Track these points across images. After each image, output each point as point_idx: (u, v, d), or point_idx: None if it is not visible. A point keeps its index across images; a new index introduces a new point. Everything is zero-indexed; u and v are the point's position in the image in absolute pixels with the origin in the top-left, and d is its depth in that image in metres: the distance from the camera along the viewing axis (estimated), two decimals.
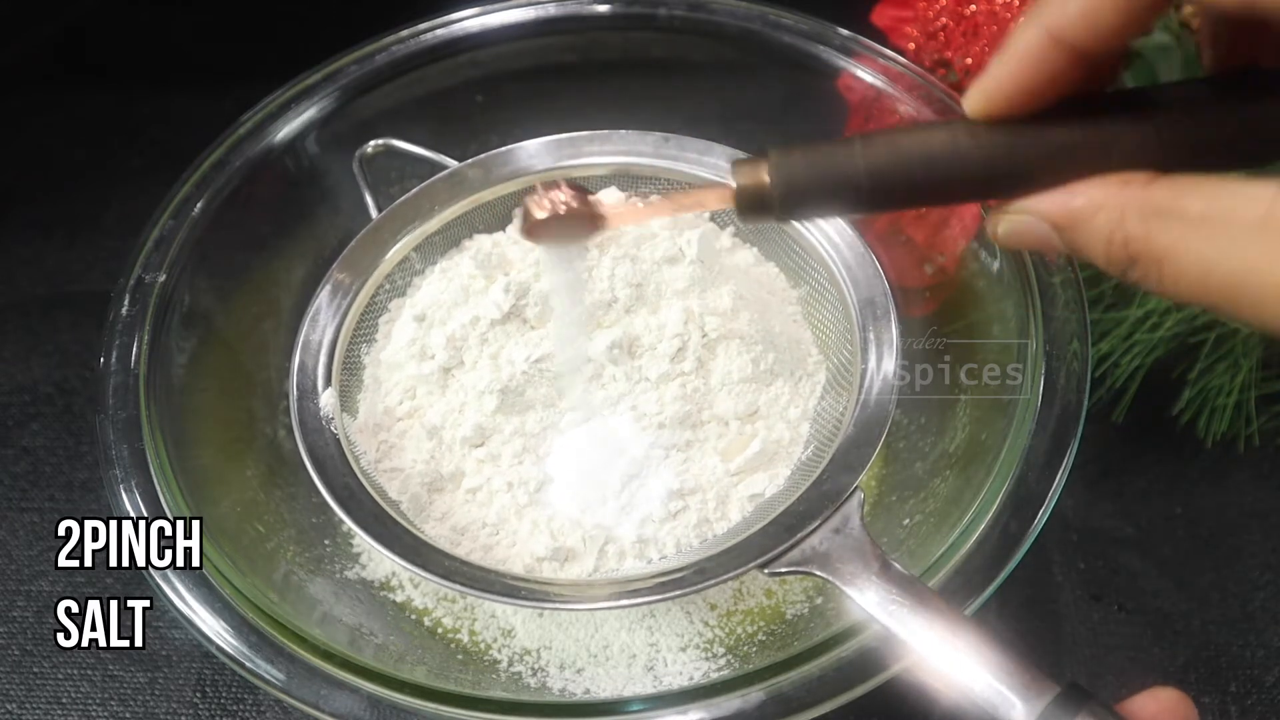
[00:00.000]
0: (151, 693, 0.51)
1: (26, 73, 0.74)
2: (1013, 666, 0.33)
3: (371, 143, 0.51)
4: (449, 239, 0.50)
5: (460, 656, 0.47)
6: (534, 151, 0.49)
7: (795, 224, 0.47)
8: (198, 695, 0.51)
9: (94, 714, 0.50)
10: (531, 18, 0.54)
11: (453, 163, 0.50)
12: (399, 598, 0.49)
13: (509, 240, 0.49)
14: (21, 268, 0.66)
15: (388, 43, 0.54)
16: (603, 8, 0.54)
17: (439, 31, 0.54)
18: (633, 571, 0.42)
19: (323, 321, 0.46)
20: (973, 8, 0.58)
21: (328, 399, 0.44)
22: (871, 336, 0.44)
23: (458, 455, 0.45)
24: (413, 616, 0.48)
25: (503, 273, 0.47)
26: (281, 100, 0.52)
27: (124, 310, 0.47)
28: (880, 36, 0.59)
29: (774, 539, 0.39)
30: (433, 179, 0.49)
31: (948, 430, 0.48)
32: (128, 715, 0.50)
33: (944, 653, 0.34)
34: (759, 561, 0.38)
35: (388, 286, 0.49)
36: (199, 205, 0.49)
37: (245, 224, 0.51)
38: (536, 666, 0.47)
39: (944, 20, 0.58)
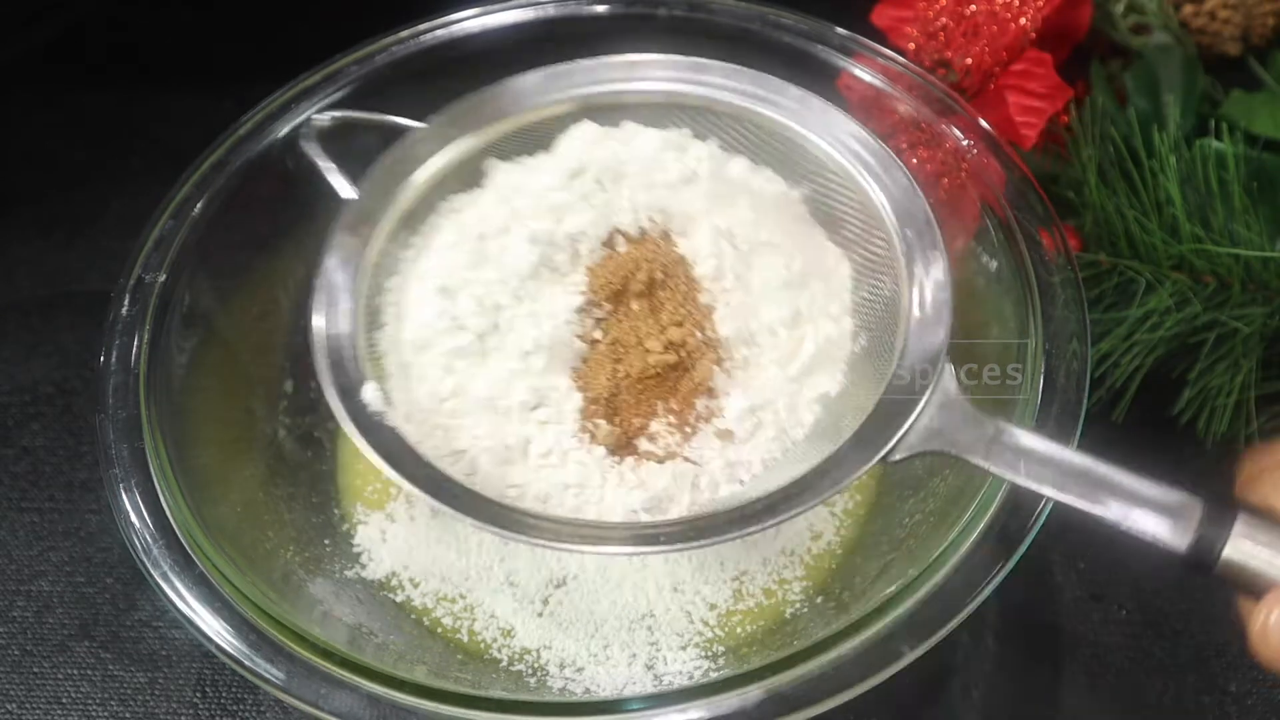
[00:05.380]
0: (151, 693, 0.51)
1: (26, 73, 0.74)
2: (1153, 490, 0.35)
3: (327, 115, 0.48)
4: (428, 205, 0.47)
5: (460, 656, 0.47)
6: (519, 91, 0.47)
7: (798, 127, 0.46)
8: (198, 695, 0.51)
9: (94, 714, 0.50)
10: (531, 18, 0.54)
11: (417, 124, 0.47)
12: (399, 598, 0.49)
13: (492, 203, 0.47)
14: (21, 268, 0.66)
15: (388, 43, 0.54)
16: (602, 8, 0.54)
17: (439, 32, 0.54)
18: (739, 495, 0.41)
19: (338, 314, 0.43)
20: (973, 8, 0.58)
21: (371, 393, 0.41)
22: (910, 232, 0.43)
23: (518, 422, 0.42)
24: (412, 616, 0.48)
25: (520, 224, 0.44)
26: (281, 100, 0.52)
27: (124, 310, 0.46)
28: (880, 36, 0.59)
29: (886, 429, 0.38)
30: (399, 142, 0.47)
31: None
32: (128, 715, 0.50)
33: (1087, 494, 0.35)
34: (883, 454, 0.38)
35: (386, 264, 0.46)
36: (199, 205, 0.49)
37: (245, 224, 0.51)
38: (536, 666, 0.47)
39: (944, 20, 0.58)
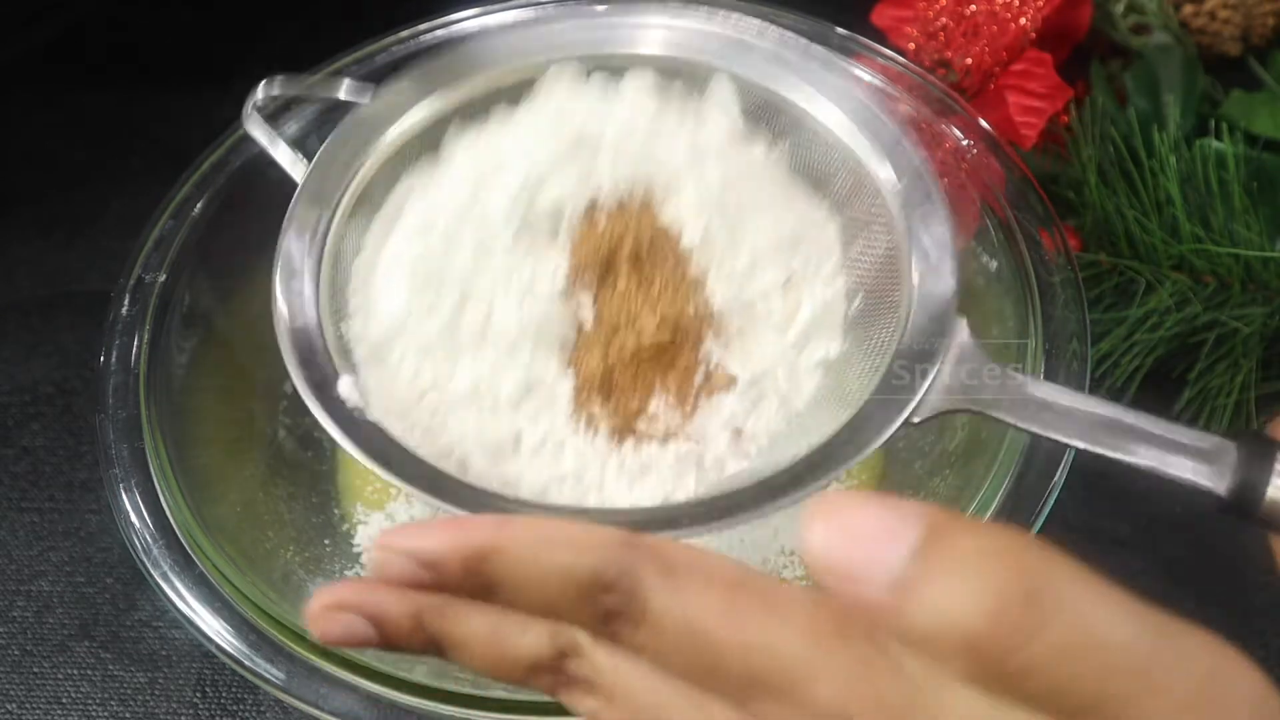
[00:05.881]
0: (151, 693, 0.51)
1: (26, 73, 0.74)
2: (1184, 435, 0.34)
3: (260, 92, 0.45)
4: (389, 178, 0.44)
5: None
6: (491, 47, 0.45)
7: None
8: (198, 695, 0.51)
9: (94, 714, 0.50)
10: (531, 18, 0.54)
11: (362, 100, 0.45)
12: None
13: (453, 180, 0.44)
14: (21, 268, 0.66)
15: (388, 43, 0.54)
16: (602, 8, 0.54)
17: (439, 32, 0.54)
18: (751, 471, 0.39)
19: (303, 303, 0.40)
20: (973, 8, 0.58)
21: (348, 387, 0.39)
22: (904, 184, 0.41)
23: (507, 413, 0.40)
24: None
25: (492, 199, 0.42)
26: (283, 101, 0.52)
27: (124, 310, 0.46)
28: (880, 36, 0.59)
29: (903, 390, 0.37)
30: (352, 114, 0.44)
31: (947, 429, 0.48)
32: (128, 715, 0.50)
33: (1117, 443, 0.34)
34: (906, 414, 0.37)
35: (348, 247, 0.43)
36: (199, 205, 0.49)
37: (245, 224, 0.51)
38: None
39: (944, 20, 0.58)
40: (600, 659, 0.26)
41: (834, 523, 0.23)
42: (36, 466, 0.58)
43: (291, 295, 0.41)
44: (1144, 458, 0.34)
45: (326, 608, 0.27)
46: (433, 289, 0.41)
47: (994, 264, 0.47)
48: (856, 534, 0.23)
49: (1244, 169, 0.55)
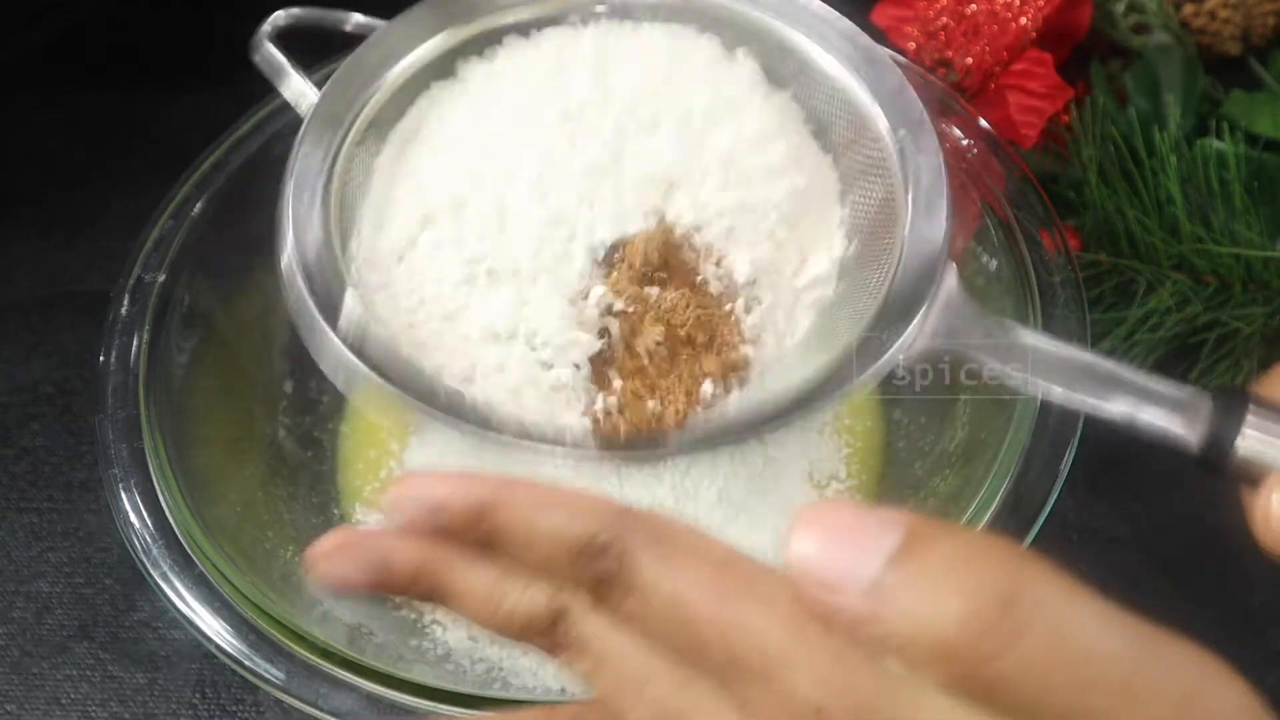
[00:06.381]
0: (151, 693, 0.51)
1: (26, 73, 0.74)
2: (1160, 386, 0.34)
3: (274, 18, 0.45)
4: (399, 109, 0.44)
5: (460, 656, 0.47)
6: None
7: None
8: (197, 695, 0.51)
9: (94, 714, 0.50)
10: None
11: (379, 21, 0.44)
12: (398, 596, 0.49)
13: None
14: (21, 268, 0.66)
15: None
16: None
17: None
18: (741, 401, 0.39)
19: (314, 220, 0.40)
20: (973, 8, 0.58)
21: (352, 301, 0.38)
22: (903, 131, 0.41)
23: (511, 358, 0.39)
24: (411, 616, 0.48)
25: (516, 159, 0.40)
26: (281, 100, 0.52)
27: (124, 310, 0.46)
28: (880, 36, 0.59)
29: (891, 332, 0.37)
30: (366, 41, 0.44)
31: (947, 430, 0.48)
32: (127, 715, 0.50)
33: (1095, 391, 0.35)
34: (890, 355, 0.37)
35: (355, 177, 0.42)
36: (199, 205, 0.49)
37: (245, 224, 0.51)
38: (537, 665, 0.47)
39: (944, 20, 0.58)
40: (594, 624, 0.26)
41: (813, 531, 0.23)
42: (36, 466, 0.58)
43: (300, 212, 0.40)
44: (1120, 405, 0.34)
45: (335, 547, 0.27)
46: (448, 220, 0.40)
47: (994, 264, 0.47)
48: (834, 542, 0.23)
49: (1244, 169, 0.55)
